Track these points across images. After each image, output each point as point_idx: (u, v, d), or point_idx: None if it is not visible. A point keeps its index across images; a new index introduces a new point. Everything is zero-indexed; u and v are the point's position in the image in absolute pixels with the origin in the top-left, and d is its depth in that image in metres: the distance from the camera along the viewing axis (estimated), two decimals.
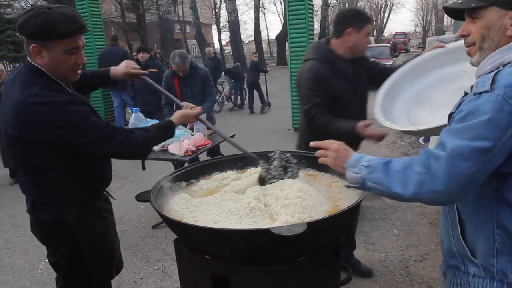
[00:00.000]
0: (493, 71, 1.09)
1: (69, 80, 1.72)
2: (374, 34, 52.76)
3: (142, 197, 1.67)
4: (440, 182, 1.06)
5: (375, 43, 38.65)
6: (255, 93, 11.17)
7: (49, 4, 1.78)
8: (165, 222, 1.55)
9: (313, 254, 1.53)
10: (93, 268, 1.87)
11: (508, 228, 1.08)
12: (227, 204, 1.70)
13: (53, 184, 1.73)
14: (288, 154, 1.85)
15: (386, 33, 59.35)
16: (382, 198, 4.39)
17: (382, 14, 52.42)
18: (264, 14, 51.19)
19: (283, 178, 1.79)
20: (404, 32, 48.88)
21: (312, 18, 8.05)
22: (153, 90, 6.35)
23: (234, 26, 24.09)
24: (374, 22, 54.30)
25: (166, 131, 1.95)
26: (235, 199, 1.75)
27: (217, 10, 29.37)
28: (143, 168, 4.10)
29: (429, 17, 55.17)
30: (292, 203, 1.59)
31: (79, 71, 1.72)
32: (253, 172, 2.04)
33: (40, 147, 1.63)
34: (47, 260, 3.62)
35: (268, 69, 12.76)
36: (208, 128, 2.40)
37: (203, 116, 3.80)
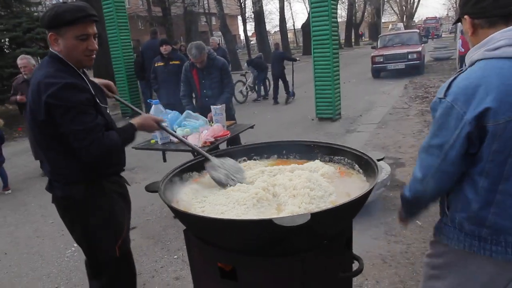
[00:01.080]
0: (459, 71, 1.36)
1: (84, 65, 1.89)
2: (404, 19, 51.20)
3: (151, 188, 1.68)
4: (418, 170, 1.42)
5: (405, 29, 37.62)
6: (280, 83, 11.07)
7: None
8: (172, 212, 1.56)
9: (322, 245, 1.51)
10: (95, 245, 2.01)
11: (466, 194, 1.36)
12: (235, 194, 1.69)
13: (62, 163, 1.90)
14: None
15: (417, 18, 57.41)
16: None
17: None
18: (290, 3, 50.69)
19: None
20: (436, 17, 47.12)
21: (336, 6, 7.86)
22: (177, 82, 6.45)
23: (259, 17, 23.93)
24: (404, 8, 52.60)
25: (130, 135, 1.97)
26: (244, 189, 1.73)
27: (241, 1, 29.23)
28: (164, 160, 4.15)
29: None
30: (300, 193, 1.57)
31: (93, 58, 1.88)
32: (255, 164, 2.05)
33: (49, 126, 1.79)
34: (73, 248, 3.76)
35: (297, 58, 12.53)
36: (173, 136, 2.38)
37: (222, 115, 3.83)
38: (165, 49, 6.47)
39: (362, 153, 1.84)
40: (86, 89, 1.81)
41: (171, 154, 4.17)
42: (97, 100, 1.87)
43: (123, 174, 2.21)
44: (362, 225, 3.54)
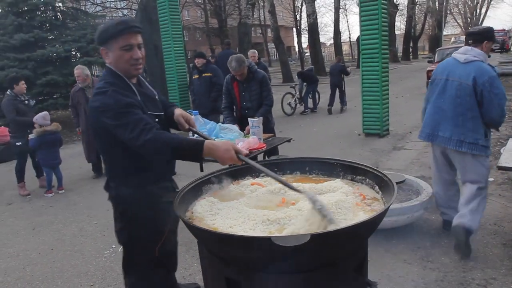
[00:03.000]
0: None
1: (131, 74, 2.00)
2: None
3: (169, 198, 1.74)
4: None
5: None
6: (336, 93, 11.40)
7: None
8: (183, 222, 1.59)
9: (329, 268, 1.47)
10: (134, 245, 2.16)
11: None
12: (248, 210, 1.69)
13: (113, 166, 2.10)
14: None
15: None
16: None
17: (478, 10, 48.03)
18: (346, 15, 50.11)
19: None
20: (504, 30, 44.15)
21: (387, 19, 7.66)
22: (208, 93, 6.72)
23: (313, 29, 23.90)
24: (469, 20, 50.01)
25: (192, 148, 1.81)
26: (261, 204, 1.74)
27: (296, 13, 29.39)
28: (201, 170, 4.25)
29: None
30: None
31: (139, 67, 2.00)
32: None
33: (101, 131, 1.96)
34: (111, 249, 3.95)
35: (348, 68, 12.41)
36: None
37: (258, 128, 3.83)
38: (197, 62, 6.79)
39: (383, 174, 1.78)
40: (129, 95, 1.93)
41: (209, 164, 4.25)
42: (142, 106, 1.97)
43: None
44: (397, 248, 3.39)
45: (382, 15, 7.26)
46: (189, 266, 3.44)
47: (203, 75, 6.82)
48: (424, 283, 2.89)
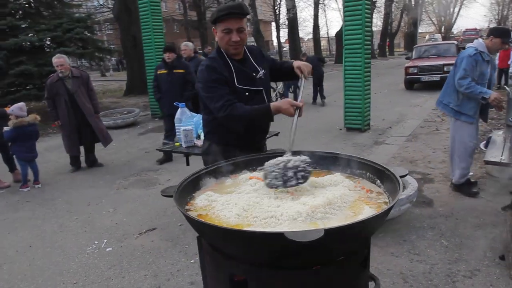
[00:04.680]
0: None
1: (230, 52, 2.26)
2: (442, 31, 49.79)
3: (167, 192, 1.68)
4: None
5: (443, 40, 36.55)
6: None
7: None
8: (185, 218, 1.54)
9: (336, 261, 1.45)
10: None
11: None
12: (255, 203, 1.65)
13: (204, 122, 2.47)
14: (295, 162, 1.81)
15: (455, 29, 55.69)
16: (433, 205, 4.12)
17: (451, 9, 49.22)
18: (325, 10, 50.39)
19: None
20: (476, 29, 45.50)
21: (370, 15, 7.73)
22: (180, 91, 6.08)
23: (292, 23, 23.91)
24: (442, 18, 51.22)
25: (261, 111, 2.18)
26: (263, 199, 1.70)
27: (276, 7, 29.33)
28: (187, 164, 4.17)
29: (505, 12, 50.87)
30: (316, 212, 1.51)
31: (237, 47, 2.23)
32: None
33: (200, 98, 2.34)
34: (94, 246, 3.82)
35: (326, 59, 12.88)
36: None
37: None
38: (168, 57, 6.16)
39: (385, 168, 1.77)
40: (218, 71, 2.20)
41: (195, 158, 4.18)
42: (229, 80, 2.22)
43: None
44: (384, 241, 3.43)
45: (366, 11, 7.31)
46: (176, 262, 3.37)
47: (174, 71, 6.18)
48: (412, 276, 2.94)
